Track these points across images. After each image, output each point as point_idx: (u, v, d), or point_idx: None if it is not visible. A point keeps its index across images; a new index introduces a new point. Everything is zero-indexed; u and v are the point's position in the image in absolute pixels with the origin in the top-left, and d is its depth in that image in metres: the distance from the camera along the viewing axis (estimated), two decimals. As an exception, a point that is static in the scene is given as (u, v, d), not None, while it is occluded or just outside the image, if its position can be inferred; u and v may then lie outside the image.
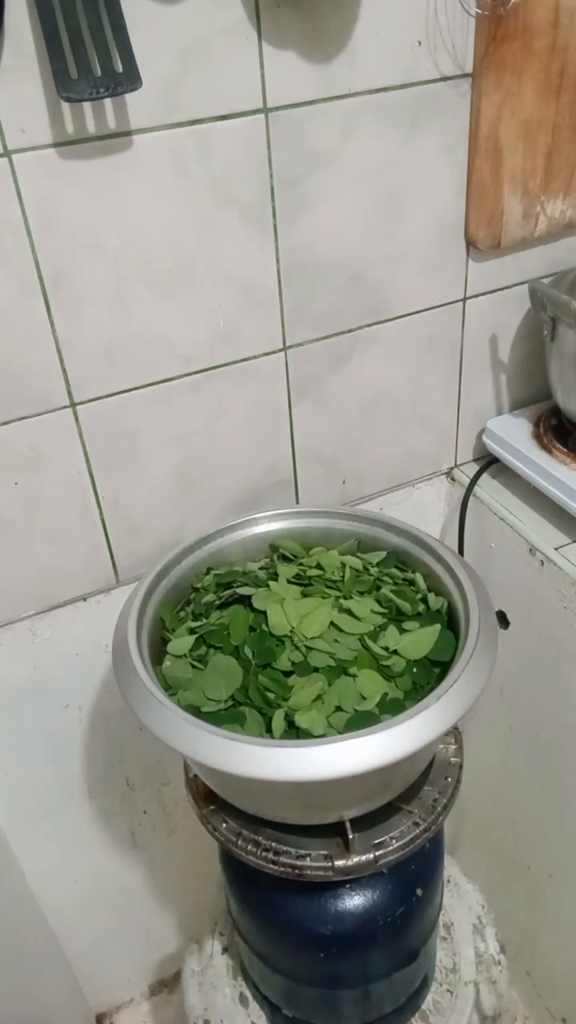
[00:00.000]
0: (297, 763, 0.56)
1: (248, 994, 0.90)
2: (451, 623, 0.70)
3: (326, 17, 0.69)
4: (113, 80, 0.61)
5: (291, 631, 0.69)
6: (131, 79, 0.61)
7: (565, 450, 0.92)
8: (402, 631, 0.70)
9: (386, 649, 0.68)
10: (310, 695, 0.64)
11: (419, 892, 0.75)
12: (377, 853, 0.68)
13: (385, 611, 0.72)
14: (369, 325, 0.87)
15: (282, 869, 0.69)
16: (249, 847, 0.70)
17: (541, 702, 0.94)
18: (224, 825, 0.72)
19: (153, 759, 1.04)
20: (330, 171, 0.76)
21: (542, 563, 0.86)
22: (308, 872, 0.68)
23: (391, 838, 0.69)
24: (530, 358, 0.99)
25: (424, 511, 1.03)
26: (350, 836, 0.68)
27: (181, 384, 0.81)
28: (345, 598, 0.72)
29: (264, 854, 0.70)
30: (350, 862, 0.68)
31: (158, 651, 0.72)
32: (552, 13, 0.76)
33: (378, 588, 0.74)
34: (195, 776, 0.75)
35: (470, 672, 0.61)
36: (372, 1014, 0.84)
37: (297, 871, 0.69)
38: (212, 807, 0.73)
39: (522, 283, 0.93)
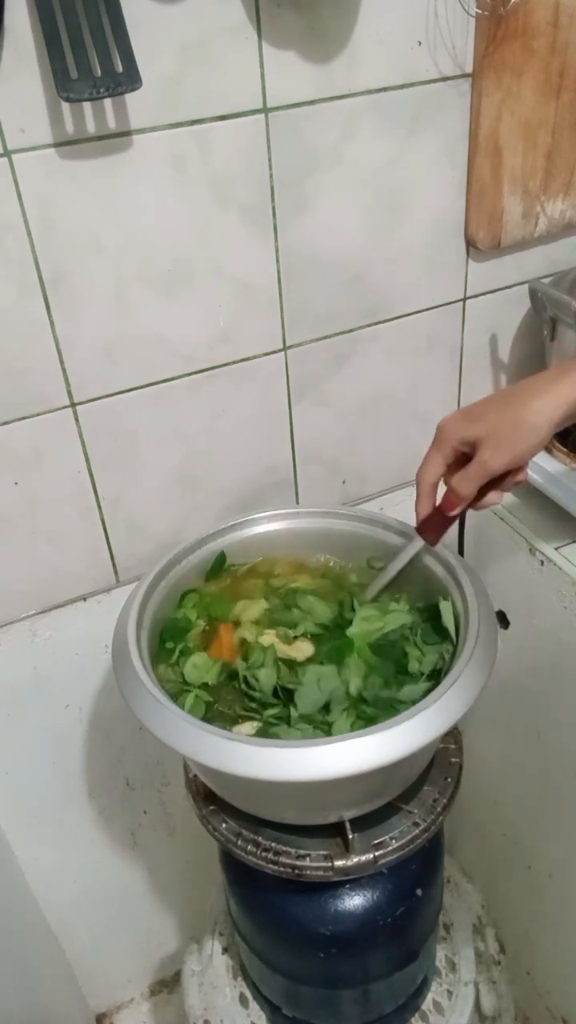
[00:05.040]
0: (297, 763, 0.56)
1: (248, 994, 0.90)
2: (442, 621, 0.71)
3: (326, 17, 0.69)
4: (113, 80, 0.61)
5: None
6: (131, 79, 0.61)
7: (565, 450, 0.92)
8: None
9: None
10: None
11: (419, 892, 0.75)
12: (377, 853, 0.68)
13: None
14: (369, 325, 0.87)
15: (282, 869, 0.69)
16: (249, 847, 0.70)
17: (541, 702, 0.94)
18: (224, 825, 0.72)
19: (153, 759, 1.04)
20: (330, 171, 0.76)
21: (542, 563, 0.86)
22: (308, 872, 0.68)
23: (391, 838, 0.69)
24: (530, 358, 0.99)
25: (424, 511, 1.03)
26: (350, 836, 0.68)
27: (181, 384, 0.81)
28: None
29: (264, 854, 0.70)
30: (350, 862, 0.68)
31: (158, 651, 0.72)
32: (552, 13, 0.76)
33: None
34: (195, 776, 0.75)
35: (470, 672, 0.61)
36: (372, 1014, 0.84)
37: (297, 871, 0.69)
38: (212, 807, 0.73)
39: (522, 283, 0.93)
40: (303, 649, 0.71)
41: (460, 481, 0.66)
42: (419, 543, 0.73)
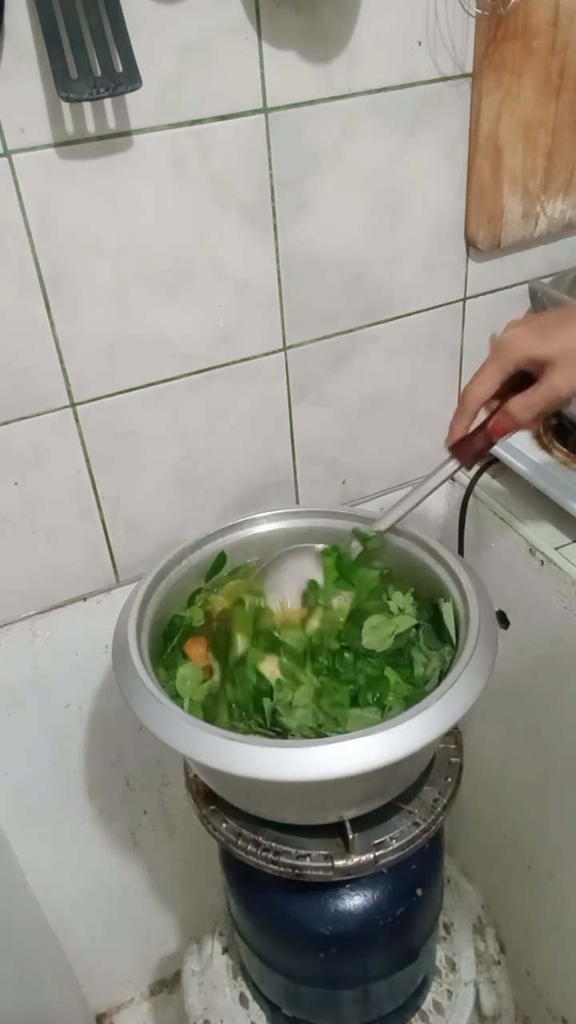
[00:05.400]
0: (297, 763, 0.56)
1: (248, 994, 0.90)
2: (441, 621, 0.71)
3: (326, 17, 0.69)
4: (113, 80, 0.61)
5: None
6: (131, 79, 0.61)
7: (565, 450, 0.92)
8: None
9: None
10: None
11: (419, 892, 0.75)
12: (377, 853, 0.68)
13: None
14: (369, 325, 0.87)
15: (282, 869, 0.69)
16: (249, 847, 0.70)
17: (541, 702, 0.94)
18: (224, 825, 0.72)
19: (153, 759, 1.04)
20: (330, 171, 0.76)
21: (542, 563, 0.86)
22: (308, 872, 0.68)
23: (391, 838, 0.69)
24: (530, 358, 0.99)
25: (424, 511, 1.03)
26: (350, 836, 0.68)
27: (181, 384, 0.81)
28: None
29: (264, 854, 0.70)
30: (350, 862, 0.68)
31: (158, 651, 0.72)
32: (552, 13, 0.76)
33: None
34: (195, 776, 0.75)
35: (470, 672, 0.61)
36: (372, 1014, 0.84)
37: (297, 871, 0.69)
38: (212, 807, 0.73)
39: (522, 283, 0.93)
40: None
41: (521, 405, 0.60)
42: (452, 466, 0.68)
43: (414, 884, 0.75)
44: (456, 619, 0.69)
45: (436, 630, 0.71)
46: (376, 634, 0.71)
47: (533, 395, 0.60)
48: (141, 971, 1.33)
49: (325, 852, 0.69)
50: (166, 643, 0.73)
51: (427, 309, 0.90)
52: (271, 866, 0.69)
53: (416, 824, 0.70)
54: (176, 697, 0.68)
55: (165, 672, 0.71)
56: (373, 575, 0.76)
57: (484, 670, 0.61)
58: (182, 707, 0.64)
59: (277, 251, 0.78)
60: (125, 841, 1.11)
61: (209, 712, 0.68)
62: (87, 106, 0.65)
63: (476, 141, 0.81)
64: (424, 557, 0.75)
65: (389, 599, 0.75)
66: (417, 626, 0.71)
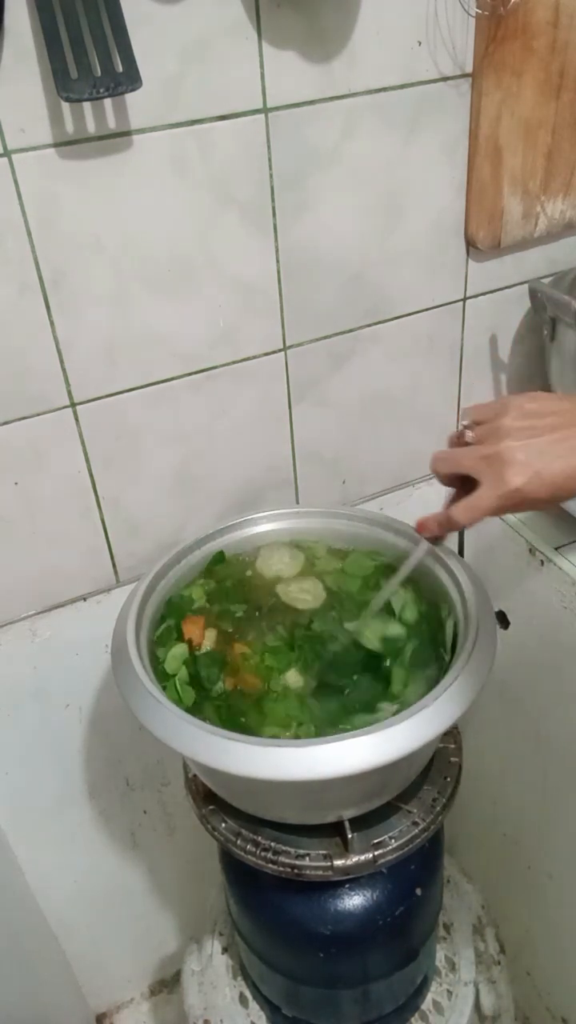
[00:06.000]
0: (297, 763, 0.56)
1: (248, 994, 0.90)
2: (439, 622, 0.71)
3: (326, 17, 0.69)
4: (113, 80, 0.61)
5: None
6: (131, 79, 0.61)
7: (565, 450, 0.91)
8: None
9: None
10: None
11: (419, 892, 0.75)
12: (376, 853, 0.68)
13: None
14: (369, 325, 0.87)
15: (281, 869, 0.69)
16: (248, 847, 0.70)
17: (541, 702, 0.94)
18: (224, 825, 0.72)
19: (153, 759, 1.04)
20: (330, 171, 0.76)
21: (542, 563, 0.86)
22: (307, 872, 0.68)
23: (390, 838, 0.69)
24: (530, 358, 0.99)
25: (424, 511, 1.03)
26: (349, 836, 0.68)
27: (181, 384, 0.81)
28: None
29: (263, 854, 0.70)
30: (349, 862, 0.68)
31: (157, 650, 0.72)
32: (552, 13, 0.76)
33: None
34: (195, 776, 0.75)
35: (469, 672, 0.61)
36: (372, 1014, 0.84)
37: (296, 871, 0.69)
38: (212, 807, 0.73)
39: (522, 283, 0.93)
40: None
41: (464, 508, 0.66)
42: (425, 546, 0.70)
43: (414, 884, 0.74)
44: (455, 630, 0.69)
45: (431, 638, 0.71)
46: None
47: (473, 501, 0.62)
48: (141, 971, 1.33)
49: (324, 852, 0.69)
50: (163, 622, 0.73)
51: (427, 309, 0.90)
52: (270, 866, 0.69)
53: (415, 824, 0.70)
54: (168, 677, 0.68)
55: (162, 650, 0.71)
56: None
57: (483, 669, 0.61)
58: (181, 705, 0.64)
59: (277, 251, 0.78)
60: (125, 841, 1.11)
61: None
62: (87, 106, 0.65)
63: (476, 141, 0.81)
64: (423, 557, 0.75)
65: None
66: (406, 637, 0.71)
